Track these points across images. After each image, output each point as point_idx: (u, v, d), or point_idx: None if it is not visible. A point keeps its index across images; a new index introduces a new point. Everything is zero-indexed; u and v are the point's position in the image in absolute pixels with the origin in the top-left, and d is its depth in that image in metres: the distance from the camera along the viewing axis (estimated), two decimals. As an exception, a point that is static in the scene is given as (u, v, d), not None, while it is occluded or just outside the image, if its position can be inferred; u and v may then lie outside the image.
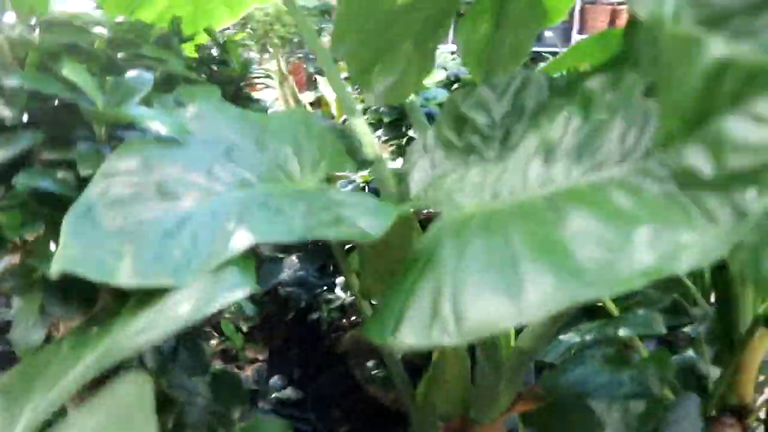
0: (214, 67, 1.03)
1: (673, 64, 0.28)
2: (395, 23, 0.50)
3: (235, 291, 0.30)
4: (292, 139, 0.48)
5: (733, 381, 0.81)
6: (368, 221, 0.36)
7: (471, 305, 0.30)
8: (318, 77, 1.76)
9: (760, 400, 0.86)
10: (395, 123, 1.06)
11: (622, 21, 5.00)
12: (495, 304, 0.29)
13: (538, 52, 5.73)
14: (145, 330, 0.30)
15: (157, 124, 0.41)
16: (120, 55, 0.52)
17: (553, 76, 0.43)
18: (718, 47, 0.25)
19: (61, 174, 0.40)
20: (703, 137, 0.27)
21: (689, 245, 0.26)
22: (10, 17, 0.42)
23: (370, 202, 0.39)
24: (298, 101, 1.30)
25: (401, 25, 0.51)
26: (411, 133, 1.05)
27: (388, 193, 0.54)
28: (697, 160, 0.27)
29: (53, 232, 0.37)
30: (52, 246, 0.38)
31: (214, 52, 1.06)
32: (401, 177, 0.50)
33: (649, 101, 0.31)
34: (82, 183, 0.41)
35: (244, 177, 0.41)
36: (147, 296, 0.33)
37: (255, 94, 1.05)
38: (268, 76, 1.23)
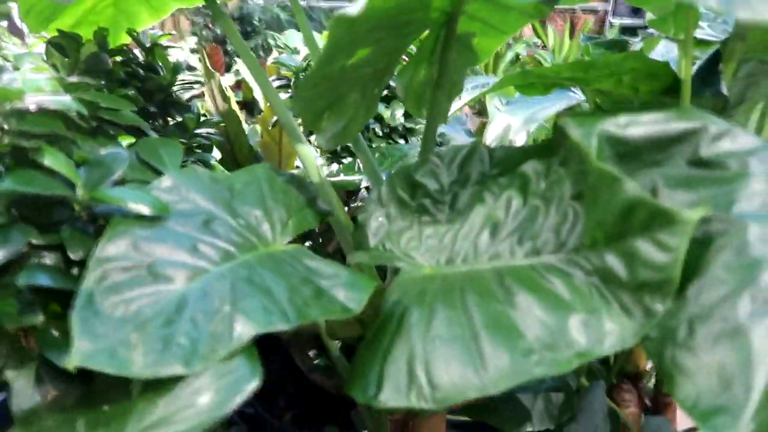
0: (141, 72, 1.02)
1: (598, 190, 0.35)
2: (345, 77, 0.54)
3: (250, 383, 0.35)
4: (259, 199, 0.52)
5: (629, 352, 0.95)
6: (347, 295, 0.42)
7: (443, 375, 0.37)
8: (237, 59, 1.74)
9: (650, 365, 1.02)
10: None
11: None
12: (463, 376, 0.36)
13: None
14: (168, 423, 0.34)
15: (138, 205, 0.44)
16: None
17: (493, 147, 0.50)
18: (632, 187, 0.33)
19: (51, 259, 0.42)
20: (620, 251, 0.34)
21: (611, 332, 0.34)
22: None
23: (343, 273, 0.44)
24: (226, 98, 1.30)
25: (350, 78, 0.56)
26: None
27: (346, 240, 0.60)
28: (616, 266, 0.35)
29: (51, 318, 0.40)
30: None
31: (140, 56, 1.04)
32: (357, 224, 0.55)
33: (577, 204, 0.39)
34: (72, 265, 0.43)
35: (225, 249, 0.45)
36: (156, 381, 0.38)
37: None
38: (197, 82, 1.21)
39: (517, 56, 4.08)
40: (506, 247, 0.43)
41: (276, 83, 1.05)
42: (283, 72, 1.13)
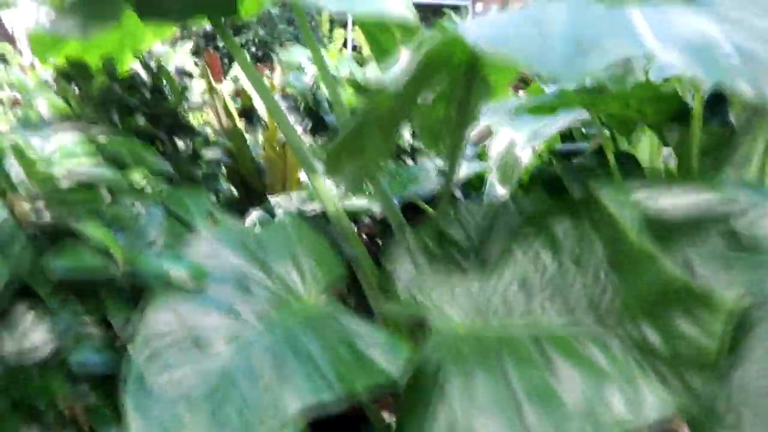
0: (147, 94, 1.02)
1: (635, 263, 0.36)
2: (368, 127, 0.55)
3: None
4: (289, 250, 0.53)
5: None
6: (386, 357, 0.43)
7: (486, 444, 0.38)
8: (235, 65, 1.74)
9: None
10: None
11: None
12: (506, 445, 0.38)
13: (439, 5, 5.75)
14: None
15: (177, 273, 0.45)
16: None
17: (520, 200, 0.51)
18: (670, 266, 0.34)
19: (94, 327, 0.43)
20: (658, 324, 0.36)
21: (650, 403, 0.36)
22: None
23: (379, 334, 0.46)
24: (229, 115, 1.30)
25: (373, 127, 0.56)
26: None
27: (366, 279, 0.61)
28: (653, 338, 0.36)
29: (102, 396, 0.41)
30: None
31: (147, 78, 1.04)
32: (384, 270, 0.56)
33: (611, 272, 0.40)
34: (117, 337, 0.44)
35: (262, 311, 0.46)
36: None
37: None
38: (204, 103, 1.21)
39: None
40: (539, 305, 0.44)
41: (283, 104, 1.05)
42: (288, 90, 1.13)
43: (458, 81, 0.60)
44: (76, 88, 0.87)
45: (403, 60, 0.43)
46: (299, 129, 1.08)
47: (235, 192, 1.38)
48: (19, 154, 0.43)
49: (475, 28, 0.39)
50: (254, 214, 1.21)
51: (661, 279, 0.35)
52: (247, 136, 1.57)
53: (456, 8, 4.97)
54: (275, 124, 1.22)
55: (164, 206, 0.56)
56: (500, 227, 0.51)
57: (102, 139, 0.57)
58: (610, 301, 0.40)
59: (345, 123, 0.50)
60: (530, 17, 0.40)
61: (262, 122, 1.71)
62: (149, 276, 0.45)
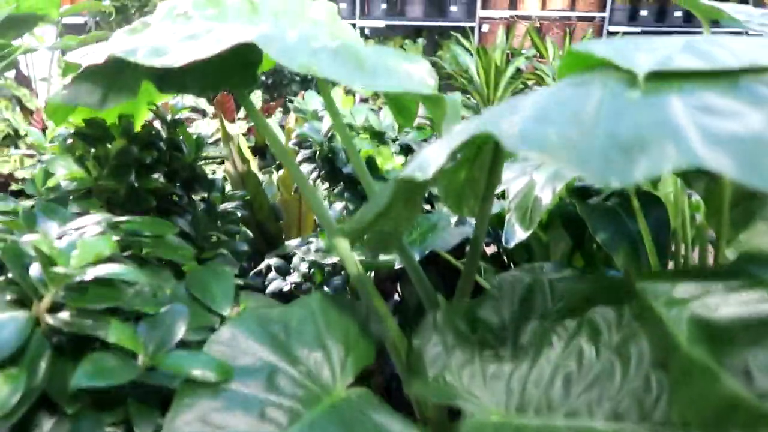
0: (163, 146, 1.02)
1: (689, 374, 0.34)
2: (395, 205, 0.53)
3: None
4: (316, 337, 0.51)
5: None
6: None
7: None
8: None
9: None
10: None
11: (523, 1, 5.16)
12: None
13: (445, 27, 5.80)
14: None
15: (202, 372, 0.43)
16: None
17: (554, 279, 0.49)
18: (731, 384, 0.32)
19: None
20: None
21: None
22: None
23: (411, 430, 0.44)
24: (244, 160, 1.29)
25: (400, 203, 0.55)
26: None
27: (396, 352, 0.59)
28: (712, 454, 0.34)
29: None
30: None
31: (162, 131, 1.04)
32: (413, 348, 0.54)
33: (662, 375, 0.38)
34: None
35: (291, 408, 0.45)
36: None
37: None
38: (221, 161, 1.21)
39: (518, 70, 4.07)
40: (583, 404, 0.42)
41: (300, 156, 1.04)
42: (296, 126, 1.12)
43: (486, 150, 0.59)
44: (92, 149, 0.87)
45: (432, 154, 0.41)
46: (314, 175, 1.06)
47: (250, 235, 1.37)
48: (42, 257, 0.41)
49: (507, 125, 0.37)
50: (271, 263, 1.20)
51: (723, 397, 0.32)
52: (261, 175, 1.56)
53: (462, 29, 4.99)
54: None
55: (186, 289, 0.55)
56: (536, 309, 0.49)
57: (123, 221, 0.56)
58: (663, 411, 0.38)
59: (367, 207, 0.49)
60: (566, 109, 0.38)
61: (277, 161, 1.70)
62: (175, 377, 0.44)
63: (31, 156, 1.46)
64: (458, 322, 0.52)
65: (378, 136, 1.02)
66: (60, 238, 0.49)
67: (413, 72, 0.64)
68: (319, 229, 1.28)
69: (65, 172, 0.74)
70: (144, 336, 0.44)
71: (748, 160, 0.32)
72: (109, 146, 0.86)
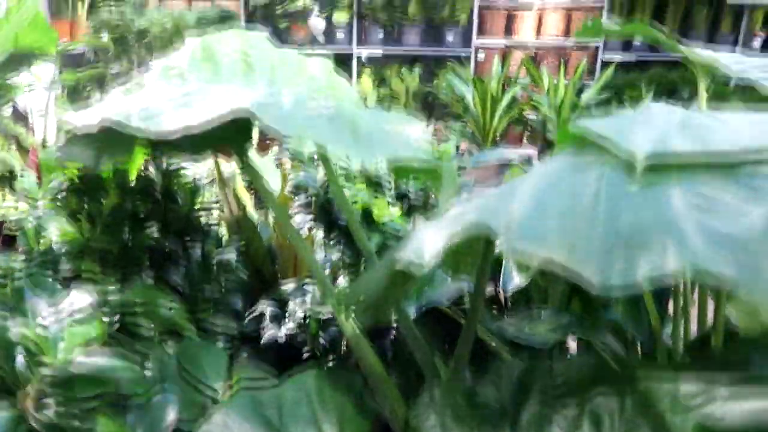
0: (158, 195, 1.01)
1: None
2: (393, 282, 0.52)
3: None
4: (311, 418, 0.50)
5: None
6: None
7: None
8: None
9: None
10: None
11: (517, 24, 5.22)
12: None
13: (442, 56, 5.85)
14: None
15: (194, 464, 0.42)
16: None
17: (554, 365, 0.48)
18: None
19: None
20: None
21: None
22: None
23: None
24: (240, 205, 1.29)
25: (398, 278, 0.54)
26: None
27: (394, 414, 0.58)
28: None
29: None
30: None
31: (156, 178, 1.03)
32: (410, 426, 0.53)
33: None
34: None
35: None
36: None
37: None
38: (215, 203, 1.21)
39: (514, 99, 4.10)
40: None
41: (296, 204, 1.03)
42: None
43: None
44: (85, 204, 0.86)
45: (429, 240, 0.40)
46: (310, 223, 1.06)
47: (245, 277, 1.36)
48: (28, 347, 0.40)
49: (506, 217, 0.36)
50: (266, 309, 1.18)
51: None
52: (256, 214, 1.55)
53: (458, 58, 5.05)
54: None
55: (177, 361, 0.54)
56: (536, 390, 0.48)
57: (113, 297, 0.55)
58: None
59: (364, 286, 0.48)
60: (564, 201, 0.37)
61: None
62: (164, 469, 0.42)
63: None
64: (457, 400, 0.50)
65: (374, 185, 1.02)
66: (48, 318, 0.48)
67: (410, 134, 0.63)
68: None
69: (57, 233, 0.73)
70: (133, 427, 0.43)
71: (749, 265, 0.31)
72: (103, 201, 0.85)
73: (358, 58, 5.69)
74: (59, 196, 0.89)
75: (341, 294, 0.54)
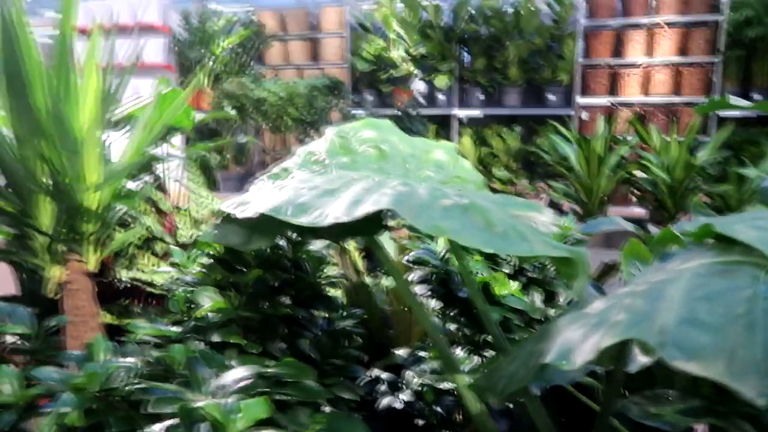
0: (289, 265, 1.09)
1: None
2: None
3: None
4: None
5: None
6: None
7: None
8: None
9: None
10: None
11: (622, 82, 5.13)
12: None
13: (543, 116, 5.80)
14: None
15: None
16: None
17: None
18: None
19: None
20: None
21: None
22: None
23: None
24: (358, 272, 1.35)
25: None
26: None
27: None
28: None
29: None
30: None
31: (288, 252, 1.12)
32: None
33: None
34: None
35: None
36: None
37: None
38: (342, 277, 1.28)
39: (621, 159, 3.99)
40: None
41: (415, 276, 1.07)
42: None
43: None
44: (230, 274, 0.95)
45: (576, 341, 0.42)
46: (427, 294, 1.09)
47: (361, 343, 1.41)
48: (213, 420, 0.46)
49: (657, 328, 0.38)
50: (382, 376, 1.21)
51: None
52: (369, 279, 1.61)
53: (560, 117, 5.02)
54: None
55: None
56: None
57: (268, 371, 0.60)
58: None
59: (504, 373, 0.50)
60: (717, 308, 0.38)
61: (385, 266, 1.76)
62: None
63: (164, 258, 1.61)
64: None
65: (491, 258, 1.04)
66: (218, 393, 0.54)
67: (540, 221, 0.66)
68: (429, 343, 1.29)
69: (210, 303, 0.81)
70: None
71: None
72: (245, 271, 0.94)
73: (459, 119, 5.81)
74: (207, 265, 0.99)
75: (479, 381, 0.56)
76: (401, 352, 1.25)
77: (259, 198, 0.73)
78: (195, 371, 0.58)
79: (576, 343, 0.42)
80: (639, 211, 4.52)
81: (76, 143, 1.13)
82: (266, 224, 0.77)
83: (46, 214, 1.24)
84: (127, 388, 0.63)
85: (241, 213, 0.72)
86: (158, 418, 0.54)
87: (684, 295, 0.41)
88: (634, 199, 4.51)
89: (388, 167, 0.80)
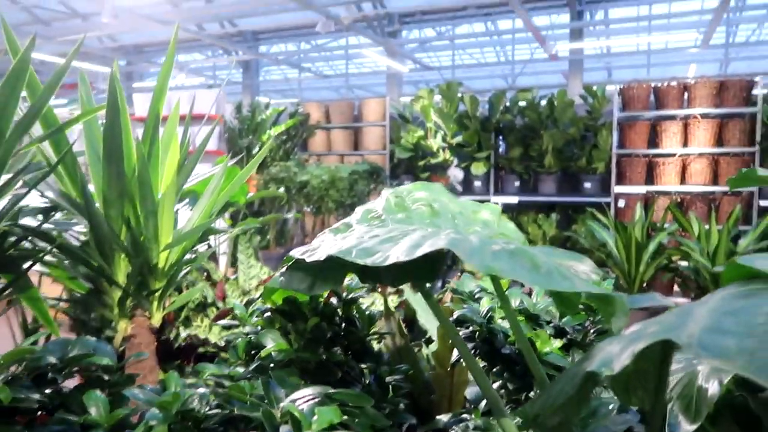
0: (338, 319, 1.16)
1: None
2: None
3: None
4: None
5: None
6: None
7: None
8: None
9: None
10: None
11: (659, 171, 5.19)
12: None
13: (579, 203, 5.81)
14: None
15: None
16: None
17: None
18: None
19: None
20: None
21: None
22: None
23: None
24: (403, 335, 1.41)
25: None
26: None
27: None
28: None
29: None
30: None
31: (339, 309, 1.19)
32: None
33: None
34: None
35: None
36: None
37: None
38: (388, 333, 1.35)
39: (660, 246, 3.99)
40: None
41: (460, 335, 1.13)
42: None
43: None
44: (289, 323, 1.03)
45: (615, 352, 0.48)
46: (471, 353, 1.14)
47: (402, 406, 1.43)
48: (293, 420, 0.53)
49: (686, 333, 0.44)
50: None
51: None
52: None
53: (597, 204, 5.07)
54: (447, 344, 1.30)
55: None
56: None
57: (333, 393, 0.67)
58: None
59: (552, 393, 0.55)
60: (739, 319, 0.44)
61: (426, 336, 1.81)
62: None
63: (228, 327, 1.69)
64: None
65: (533, 319, 1.09)
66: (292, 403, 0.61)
67: (580, 270, 0.73)
68: (471, 406, 1.32)
69: (273, 345, 0.88)
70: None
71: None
72: (305, 321, 1.01)
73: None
74: (266, 317, 1.07)
75: (526, 407, 0.60)
76: (443, 417, 1.27)
77: (325, 245, 0.82)
78: (270, 391, 0.65)
79: (615, 354, 0.48)
80: (682, 301, 4.44)
81: (155, 204, 1.26)
82: (330, 270, 0.85)
83: (121, 271, 1.36)
84: (202, 411, 0.70)
85: (309, 257, 0.81)
86: None
87: (711, 312, 0.47)
88: (676, 288, 4.45)
89: (440, 222, 0.88)
